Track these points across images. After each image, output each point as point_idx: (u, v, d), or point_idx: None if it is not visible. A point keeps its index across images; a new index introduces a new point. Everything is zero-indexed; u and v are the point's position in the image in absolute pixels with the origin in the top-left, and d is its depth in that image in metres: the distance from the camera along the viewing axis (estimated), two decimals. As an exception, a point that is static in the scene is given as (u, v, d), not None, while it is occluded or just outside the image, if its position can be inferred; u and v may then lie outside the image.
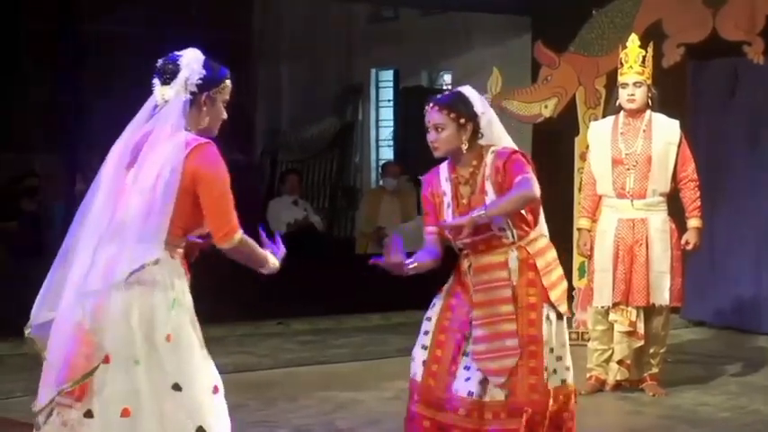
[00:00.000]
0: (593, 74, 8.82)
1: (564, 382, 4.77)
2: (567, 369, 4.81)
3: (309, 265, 10.42)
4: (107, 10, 10.54)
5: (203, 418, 3.88)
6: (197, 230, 3.98)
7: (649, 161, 6.83)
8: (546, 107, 8.93)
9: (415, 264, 4.66)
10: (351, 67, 13.44)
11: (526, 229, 4.73)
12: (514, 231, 4.71)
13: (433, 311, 4.82)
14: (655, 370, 6.99)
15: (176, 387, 3.84)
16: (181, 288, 3.91)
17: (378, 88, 13.58)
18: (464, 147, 4.69)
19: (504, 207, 4.57)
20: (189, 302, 3.93)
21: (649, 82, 6.96)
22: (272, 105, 13.48)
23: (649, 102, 6.94)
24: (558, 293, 4.77)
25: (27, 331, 4.03)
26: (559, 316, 4.78)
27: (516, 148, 4.79)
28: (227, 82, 4.02)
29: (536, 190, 4.59)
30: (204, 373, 3.92)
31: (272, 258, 4.13)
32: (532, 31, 10.84)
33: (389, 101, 13.42)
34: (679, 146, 6.92)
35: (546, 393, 4.65)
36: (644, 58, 6.97)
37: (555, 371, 4.74)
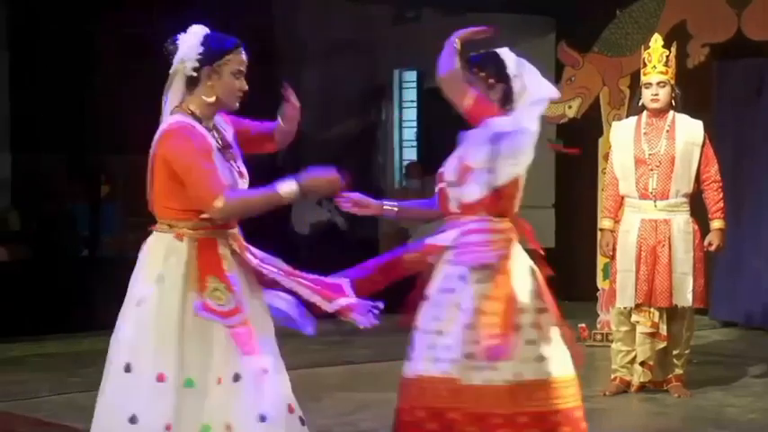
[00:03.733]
0: (616, 74, 8.80)
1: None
2: None
3: (333, 265, 10.44)
4: (130, 11, 10.57)
5: (133, 406, 3.87)
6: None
7: (672, 161, 6.80)
8: (570, 108, 8.91)
9: (396, 207, 4.54)
10: (374, 68, 13.43)
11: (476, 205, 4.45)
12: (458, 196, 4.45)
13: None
14: (679, 371, 6.96)
15: (127, 368, 3.88)
16: (165, 268, 3.89)
17: (401, 89, 13.57)
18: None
19: None
20: (171, 281, 3.88)
21: (673, 82, 6.93)
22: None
23: (673, 102, 6.91)
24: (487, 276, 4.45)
25: None
26: None
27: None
28: (235, 53, 3.97)
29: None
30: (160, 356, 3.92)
31: (284, 188, 3.89)
32: (556, 32, 10.84)
33: (413, 101, 13.41)
34: (702, 146, 6.88)
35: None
36: (667, 57, 6.94)
37: None
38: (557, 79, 9.41)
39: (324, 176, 3.97)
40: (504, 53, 4.55)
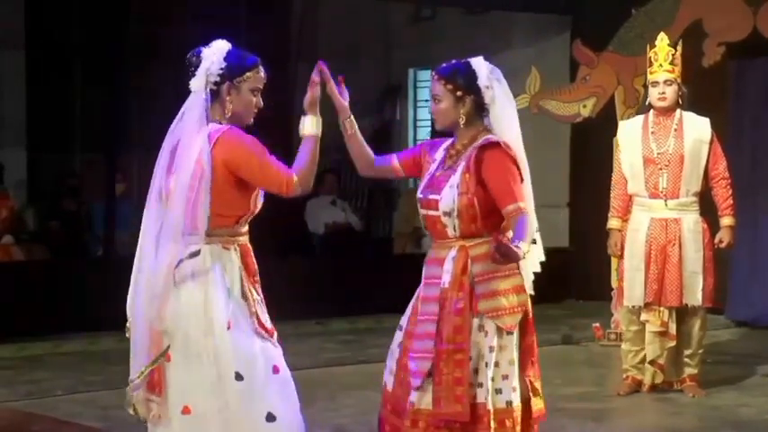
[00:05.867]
0: (631, 73, 8.78)
1: (510, 404, 4.34)
2: (515, 390, 4.36)
3: (348, 265, 10.46)
4: (149, 11, 10.60)
5: (269, 403, 3.96)
6: (249, 214, 4.08)
7: (682, 160, 6.79)
8: (585, 107, 8.90)
9: (353, 130, 4.57)
10: (389, 67, 13.44)
11: (472, 228, 4.36)
12: (458, 224, 4.36)
13: (404, 319, 4.55)
14: (693, 370, 6.94)
15: (238, 377, 3.93)
16: (231, 278, 4.01)
17: (416, 88, 13.58)
18: (461, 121, 4.41)
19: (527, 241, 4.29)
20: (237, 291, 4.02)
21: (679, 80, 6.91)
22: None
23: (679, 100, 6.90)
24: (493, 305, 4.33)
25: (128, 335, 4.14)
26: (507, 330, 4.34)
27: (501, 141, 4.37)
28: (255, 71, 4.09)
29: (532, 222, 4.33)
30: (262, 356, 4.00)
31: (308, 127, 4.18)
32: (571, 30, 10.83)
33: (427, 101, 13.39)
34: (710, 144, 6.86)
35: (467, 407, 4.27)
36: (674, 56, 6.92)
37: (500, 390, 4.33)
38: (572, 78, 9.41)
39: (309, 93, 4.27)
40: (477, 63, 4.48)
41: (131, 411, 4.05)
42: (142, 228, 4.07)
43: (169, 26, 10.45)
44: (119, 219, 10.35)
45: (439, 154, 4.57)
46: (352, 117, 4.57)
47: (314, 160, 4.12)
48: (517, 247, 4.12)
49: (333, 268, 10.30)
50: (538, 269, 4.56)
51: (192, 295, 3.94)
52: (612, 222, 7.06)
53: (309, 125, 4.17)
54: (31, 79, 11.34)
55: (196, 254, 3.94)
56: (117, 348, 8.42)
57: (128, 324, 4.11)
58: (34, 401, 6.78)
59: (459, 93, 4.42)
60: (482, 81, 4.42)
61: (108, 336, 8.52)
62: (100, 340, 8.62)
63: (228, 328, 3.95)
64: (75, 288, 8.98)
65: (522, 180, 4.39)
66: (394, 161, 4.68)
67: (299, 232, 11.13)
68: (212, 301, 3.94)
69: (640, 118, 7.02)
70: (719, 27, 8.36)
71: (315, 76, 4.31)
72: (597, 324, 8.80)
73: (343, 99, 4.51)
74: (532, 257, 4.49)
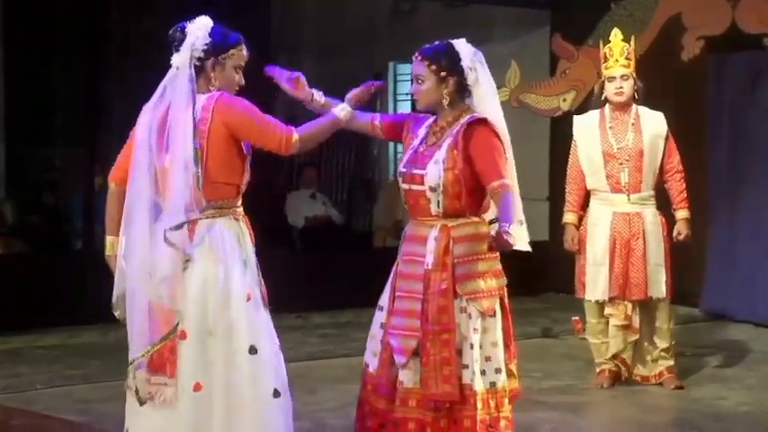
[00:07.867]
0: (611, 67, 8.79)
1: (494, 385, 4.42)
2: (498, 371, 4.43)
3: (328, 258, 10.46)
4: (130, 5, 10.57)
5: (276, 378, 4.04)
6: (244, 184, 4.10)
7: (641, 154, 6.81)
8: (564, 100, 8.91)
9: (324, 101, 4.59)
10: (369, 60, 13.43)
11: (457, 205, 4.40)
12: (442, 200, 4.41)
13: (384, 299, 4.58)
14: (671, 362, 6.96)
15: (252, 350, 3.96)
16: (245, 248, 4.05)
17: (396, 81, 13.57)
18: (445, 101, 4.46)
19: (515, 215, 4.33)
20: (254, 261, 4.10)
21: (635, 75, 6.93)
22: (290, 98, 13.47)
23: (635, 95, 6.92)
24: (472, 287, 4.39)
25: (117, 313, 4.14)
26: (489, 312, 4.41)
27: (489, 119, 4.44)
28: (238, 48, 4.15)
29: (516, 198, 4.37)
30: (272, 332, 4.07)
31: (339, 110, 4.31)
32: (551, 25, 10.84)
33: (407, 94, 13.38)
34: (666, 138, 6.90)
35: (456, 386, 4.33)
36: (628, 51, 6.95)
37: (483, 372, 4.40)
38: (551, 72, 9.42)
39: (360, 89, 4.46)
40: (460, 45, 4.52)
41: (131, 393, 4.03)
42: (126, 204, 4.03)
43: (149, 20, 10.43)
44: (98, 212, 10.31)
45: (422, 130, 4.60)
46: (314, 92, 4.64)
47: (322, 130, 4.24)
48: (508, 233, 4.15)
49: (313, 262, 10.30)
50: (528, 248, 4.57)
51: (208, 269, 3.95)
52: (568, 217, 7.05)
53: (340, 108, 4.32)
54: (9, 72, 11.30)
55: (181, 226, 3.93)
56: (97, 342, 8.43)
57: (114, 304, 4.10)
58: (13, 395, 6.76)
59: (442, 73, 4.47)
60: (465, 62, 4.48)
61: (88, 329, 8.51)
62: (79, 334, 8.60)
63: (248, 299, 3.99)
64: (54, 282, 8.95)
65: (506, 158, 4.43)
66: (376, 119, 4.75)
67: (278, 226, 11.12)
68: (230, 273, 3.97)
69: (596, 113, 7.03)
70: (699, 21, 8.37)
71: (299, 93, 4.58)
72: (576, 317, 8.80)
73: (298, 91, 4.60)
74: (519, 238, 4.47)
